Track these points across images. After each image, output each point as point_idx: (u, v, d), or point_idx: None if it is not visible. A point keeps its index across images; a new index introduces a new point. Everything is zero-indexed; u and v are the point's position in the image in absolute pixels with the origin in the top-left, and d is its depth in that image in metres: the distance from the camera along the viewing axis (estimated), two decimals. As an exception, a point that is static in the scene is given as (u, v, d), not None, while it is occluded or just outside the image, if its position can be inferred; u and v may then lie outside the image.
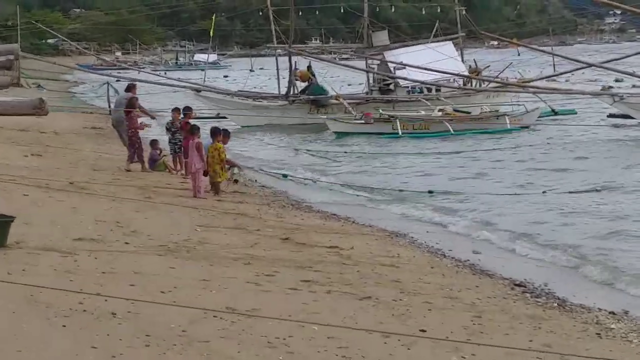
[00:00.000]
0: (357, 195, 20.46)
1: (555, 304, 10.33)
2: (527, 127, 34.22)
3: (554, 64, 54.73)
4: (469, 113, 35.66)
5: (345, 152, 29.26)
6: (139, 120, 20.96)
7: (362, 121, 35.16)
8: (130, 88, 22.13)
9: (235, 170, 19.12)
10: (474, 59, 47.19)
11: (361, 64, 43.30)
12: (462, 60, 44.52)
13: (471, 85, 42.15)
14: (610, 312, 10.11)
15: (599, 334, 9.02)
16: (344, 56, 61.46)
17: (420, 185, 21.37)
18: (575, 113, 39.46)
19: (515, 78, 42.99)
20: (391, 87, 42.41)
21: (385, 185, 21.80)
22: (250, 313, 8.01)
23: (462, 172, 24.16)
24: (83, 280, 8.43)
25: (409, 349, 7.66)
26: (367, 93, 42.97)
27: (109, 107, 35.37)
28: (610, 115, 36.11)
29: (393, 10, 75.69)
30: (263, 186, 20.66)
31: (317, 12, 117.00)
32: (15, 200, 12.90)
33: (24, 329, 6.81)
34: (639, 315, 10.11)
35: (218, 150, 17.23)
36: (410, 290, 10.11)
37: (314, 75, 42.14)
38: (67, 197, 14.29)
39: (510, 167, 24.69)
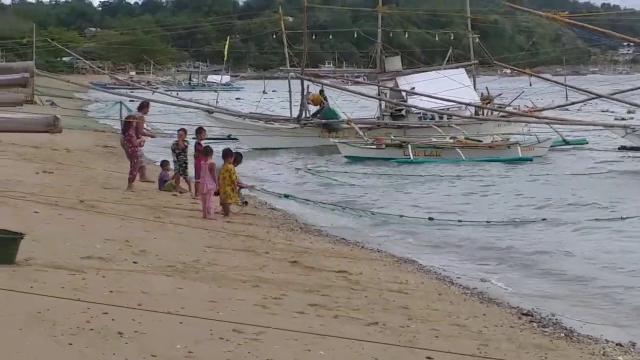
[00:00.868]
0: (360, 216, 20.52)
1: (563, 334, 10.30)
2: (539, 157, 34.18)
3: (566, 94, 54.70)
4: (481, 142, 35.70)
5: (346, 172, 29.29)
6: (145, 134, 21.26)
7: (374, 146, 35.21)
8: (142, 107, 22.09)
9: (243, 191, 19.15)
10: (485, 87, 47.25)
11: (374, 88, 43.42)
12: (475, 88, 44.61)
13: (483, 113, 42.16)
14: (617, 344, 10.07)
15: (606, 365, 8.98)
16: (357, 80, 61.60)
17: (420, 211, 21.38)
18: (587, 143, 39.43)
19: (527, 107, 42.96)
20: (403, 112, 42.49)
21: (386, 210, 21.79)
22: (256, 335, 8.00)
23: (467, 198, 24.21)
24: (90, 299, 8.43)
25: (414, 375, 7.64)
26: (378, 118, 43.07)
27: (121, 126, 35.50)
28: (622, 148, 36.02)
29: (407, 35, 75.77)
30: (272, 209, 20.68)
31: (330, 37, 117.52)
32: (26, 217, 12.93)
33: (30, 346, 6.82)
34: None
35: (229, 171, 17.29)
36: (417, 317, 10.09)
37: (325, 99, 42.30)
38: (77, 215, 14.32)
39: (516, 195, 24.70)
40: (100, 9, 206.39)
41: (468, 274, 14.15)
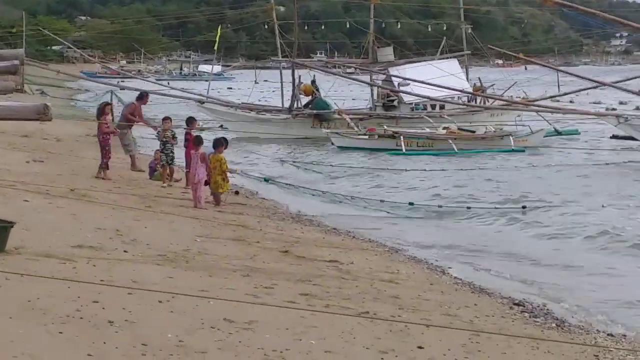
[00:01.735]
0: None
1: (554, 325, 10.30)
2: (532, 147, 34.16)
3: (558, 85, 54.76)
4: (474, 132, 35.65)
5: (332, 165, 29.29)
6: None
7: (366, 136, 35.15)
8: (141, 97, 21.90)
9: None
10: (478, 77, 47.24)
11: (366, 78, 43.35)
12: (467, 79, 44.58)
13: (476, 102, 42.16)
14: (608, 334, 10.08)
15: (597, 355, 8.97)
16: (348, 70, 61.55)
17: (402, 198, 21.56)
18: (579, 133, 39.49)
19: (519, 97, 42.98)
20: (395, 103, 42.44)
21: (369, 195, 21.90)
22: (247, 325, 7.98)
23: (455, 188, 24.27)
24: (81, 288, 8.40)
25: (406, 365, 7.63)
26: (370, 109, 43.00)
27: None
28: (614, 137, 36.11)
29: (399, 26, 75.78)
30: (264, 198, 20.65)
31: (322, 27, 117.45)
32: (16, 206, 12.88)
33: (21, 335, 6.79)
34: (637, 337, 10.09)
35: (220, 161, 17.23)
36: (408, 307, 10.08)
37: (317, 90, 42.22)
38: (68, 204, 14.27)
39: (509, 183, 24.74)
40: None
41: (460, 263, 14.16)
